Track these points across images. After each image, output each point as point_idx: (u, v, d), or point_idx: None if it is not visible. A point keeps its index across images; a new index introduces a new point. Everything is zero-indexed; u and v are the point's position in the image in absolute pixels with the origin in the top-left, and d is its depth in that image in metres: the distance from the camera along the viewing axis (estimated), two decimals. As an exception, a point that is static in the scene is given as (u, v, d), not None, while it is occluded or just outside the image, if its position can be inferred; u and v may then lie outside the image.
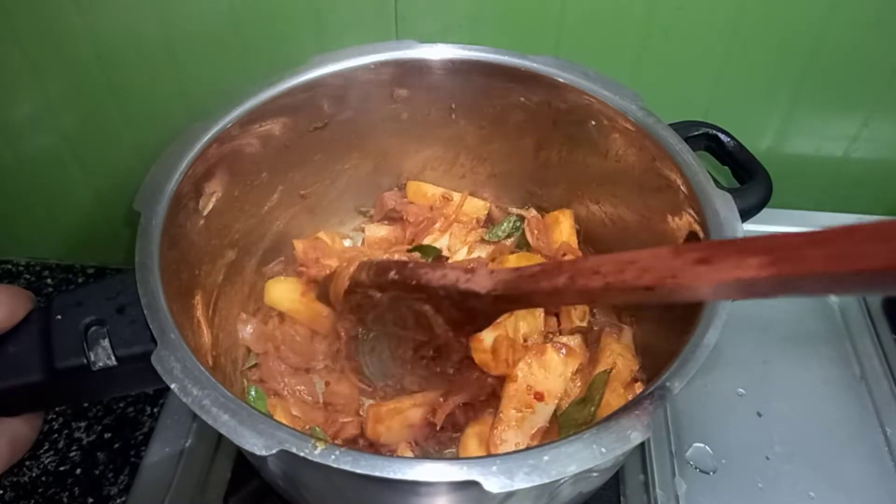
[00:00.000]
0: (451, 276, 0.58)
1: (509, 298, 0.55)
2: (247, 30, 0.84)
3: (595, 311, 0.80)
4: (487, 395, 0.72)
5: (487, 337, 0.71)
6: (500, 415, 0.68)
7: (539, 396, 0.69)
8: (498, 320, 0.73)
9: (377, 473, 0.46)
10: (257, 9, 0.82)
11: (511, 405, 0.68)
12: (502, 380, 0.71)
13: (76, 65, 0.86)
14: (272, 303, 0.79)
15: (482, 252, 0.86)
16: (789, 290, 0.39)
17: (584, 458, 0.48)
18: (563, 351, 0.70)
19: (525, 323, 0.75)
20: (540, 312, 0.77)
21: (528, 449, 0.49)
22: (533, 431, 0.68)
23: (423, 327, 0.64)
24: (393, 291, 0.63)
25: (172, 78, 0.87)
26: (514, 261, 0.79)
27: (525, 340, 0.73)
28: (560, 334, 0.77)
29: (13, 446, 0.56)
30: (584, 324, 0.79)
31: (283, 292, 0.79)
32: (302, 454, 0.46)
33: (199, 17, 0.82)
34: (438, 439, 0.72)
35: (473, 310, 0.58)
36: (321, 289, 0.73)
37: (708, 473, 0.76)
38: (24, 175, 0.99)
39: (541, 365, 0.70)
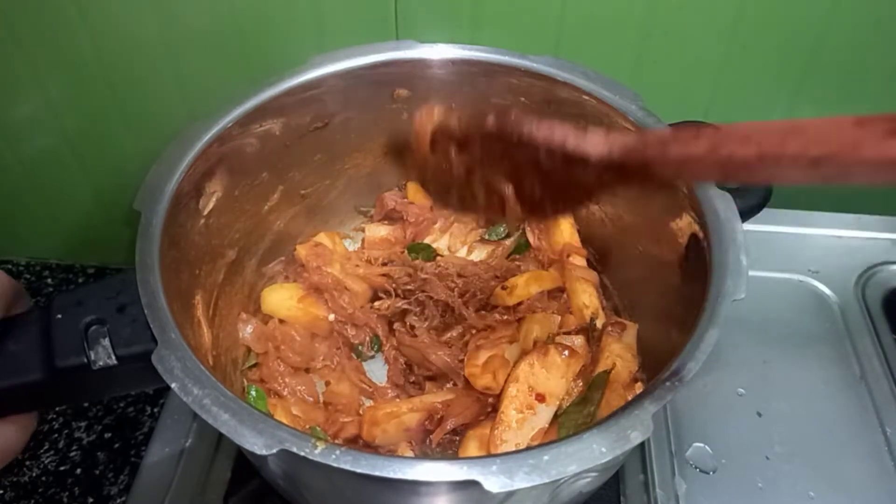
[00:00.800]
0: (559, 132, 0.50)
1: (625, 170, 0.47)
2: (247, 30, 0.84)
3: (595, 311, 0.80)
4: (487, 414, 0.72)
5: (482, 355, 0.71)
6: (501, 416, 0.68)
7: (540, 398, 0.69)
8: (499, 336, 0.74)
9: (377, 473, 0.46)
10: (257, 9, 0.82)
11: (512, 406, 0.68)
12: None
13: (76, 65, 0.86)
14: (269, 311, 0.79)
15: (482, 252, 0.86)
16: None
17: (584, 457, 0.48)
18: (566, 352, 0.70)
19: (539, 327, 0.75)
20: (556, 318, 0.76)
21: (528, 449, 0.49)
22: (533, 433, 0.68)
23: (494, 207, 0.56)
24: (478, 149, 0.55)
25: (172, 78, 0.87)
26: (525, 280, 0.79)
27: (534, 343, 0.73)
28: (563, 334, 0.77)
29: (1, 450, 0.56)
30: (587, 323, 0.79)
31: (280, 300, 0.79)
32: (302, 454, 0.46)
33: (198, 17, 0.82)
34: (437, 441, 0.72)
35: (573, 181, 0.51)
36: (392, 142, 0.68)
37: (708, 473, 0.76)
38: (24, 175, 0.99)
39: (543, 366, 0.70)
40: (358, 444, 0.72)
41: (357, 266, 0.83)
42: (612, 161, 0.48)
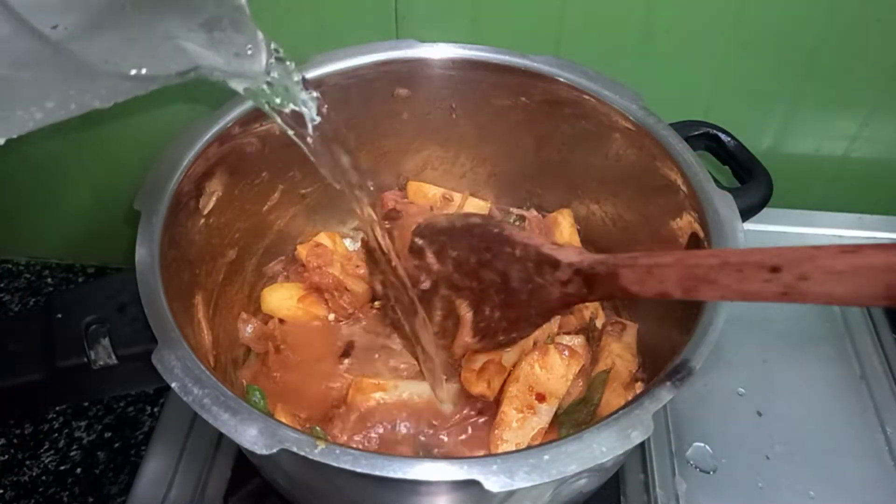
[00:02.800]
0: (537, 237, 0.55)
1: (592, 280, 0.50)
2: (247, 29, 0.83)
3: (595, 311, 0.80)
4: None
5: (479, 359, 0.71)
6: (501, 415, 0.68)
7: (540, 398, 0.69)
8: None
9: (377, 472, 0.46)
10: (257, 9, 0.81)
11: (512, 406, 0.68)
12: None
13: (76, 64, 0.86)
14: (269, 311, 0.79)
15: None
16: None
17: (584, 457, 0.48)
18: (566, 352, 0.70)
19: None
20: (556, 318, 0.77)
21: (528, 448, 0.49)
22: (534, 433, 0.68)
23: (448, 331, 0.62)
24: (454, 256, 0.59)
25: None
26: None
27: (534, 343, 0.73)
28: (562, 334, 0.77)
29: None
30: (587, 323, 0.79)
31: (280, 300, 0.79)
32: (302, 453, 0.46)
33: (199, 16, 0.82)
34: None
35: (536, 298, 0.54)
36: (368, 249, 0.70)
37: (708, 473, 0.76)
38: (24, 175, 0.99)
39: (543, 366, 0.70)
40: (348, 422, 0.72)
41: (357, 266, 0.83)
42: (582, 268, 0.52)
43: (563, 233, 0.83)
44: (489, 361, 0.72)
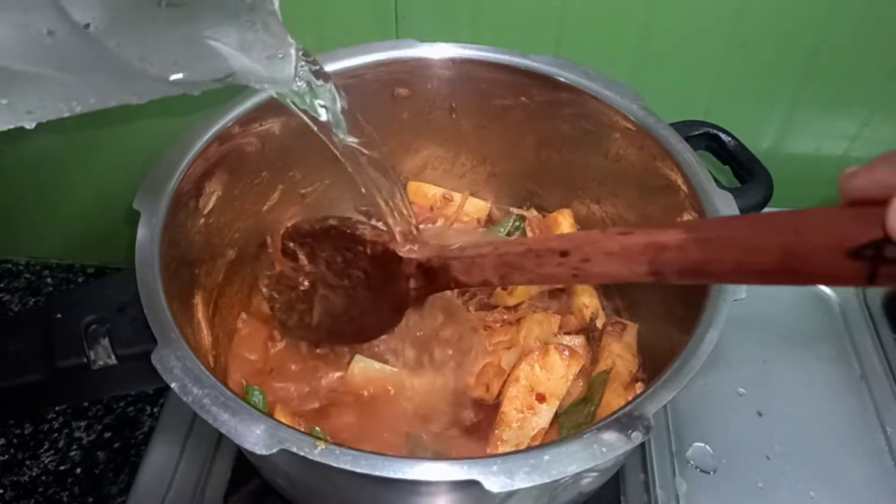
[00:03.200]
0: (383, 236, 0.61)
1: (429, 271, 0.57)
2: (247, 29, 0.83)
3: (595, 311, 0.80)
4: None
5: (479, 361, 0.71)
6: (501, 415, 0.68)
7: (540, 398, 0.69)
8: (496, 341, 0.74)
9: (377, 473, 0.46)
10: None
11: (512, 406, 0.68)
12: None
13: (76, 64, 0.86)
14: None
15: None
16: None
17: (584, 457, 0.48)
18: (566, 353, 0.70)
19: (539, 327, 0.75)
20: (556, 318, 0.76)
21: (528, 449, 0.49)
22: (534, 433, 0.68)
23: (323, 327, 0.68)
24: (326, 253, 0.66)
25: (173, 77, 0.87)
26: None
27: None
28: (562, 335, 0.77)
29: None
30: (587, 323, 0.79)
31: None
32: (302, 453, 0.46)
33: (199, 16, 0.82)
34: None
35: (393, 286, 0.60)
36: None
37: (708, 473, 0.76)
38: (24, 175, 0.99)
39: (543, 366, 0.70)
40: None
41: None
42: (421, 261, 0.58)
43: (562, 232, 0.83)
44: (488, 364, 0.73)
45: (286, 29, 0.48)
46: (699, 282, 0.54)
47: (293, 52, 0.48)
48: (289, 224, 0.70)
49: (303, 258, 0.68)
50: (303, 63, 0.50)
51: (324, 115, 0.53)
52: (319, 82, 0.52)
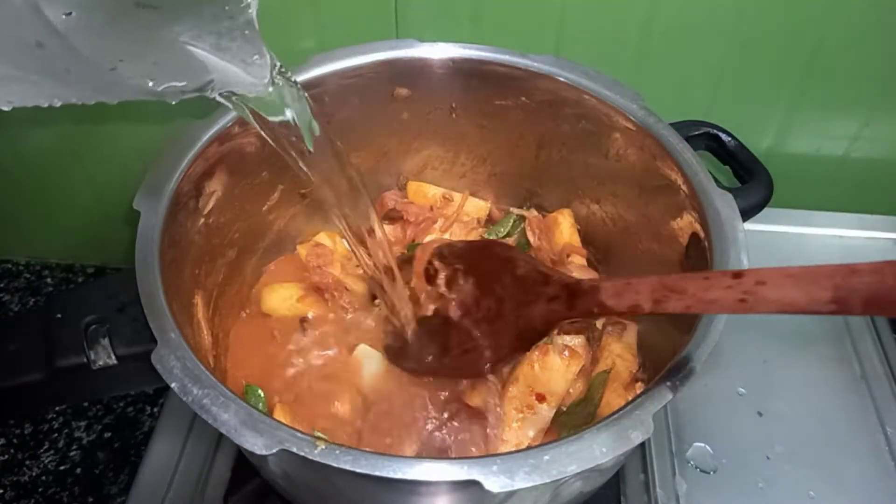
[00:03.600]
0: (534, 260, 0.62)
1: (574, 295, 0.56)
2: (247, 29, 0.83)
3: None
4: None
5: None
6: (502, 416, 0.68)
7: (540, 398, 0.69)
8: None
9: (377, 473, 0.46)
10: (257, 8, 0.81)
11: (512, 406, 0.68)
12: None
13: (76, 64, 0.86)
14: (269, 310, 0.79)
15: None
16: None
17: (584, 457, 0.48)
18: (566, 353, 0.70)
19: None
20: None
21: (528, 448, 0.49)
22: (534, 433, 0.68)
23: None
24: (470, 279, 0.65)
25: (173, 77, 0.87)
26: None
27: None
28: (562, 335, 0.77)
29: None
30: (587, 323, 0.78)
31: (280, 300, 0.79)
32: (302, 454, 0.46)
33: (199, 16, 0.82)
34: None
35: (526, 312, 0.59)
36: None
37: (708, 473, 0.76)
38: (24, 175, 0.99)
39: (543, 367, 0.69)
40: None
41: (357, 266, 0.83)
42: (569, 282, 0.57)
43: (563, 233, 0.83)
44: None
45: (261, 38, 0.48)
46: (881, 314, 0.51)
47: (269, 58, 0.48)
48: (437, 244, 0.70)
49: (441, 281, 0.68)
50: (277, 71, 0.50)
51: (288, 116, 0.53)
52: (293, 90, 0.52)
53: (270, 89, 0.50)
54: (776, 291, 0.44)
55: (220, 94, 0.49)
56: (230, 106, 0.51)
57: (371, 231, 0.63)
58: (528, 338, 0.62)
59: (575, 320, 0.69)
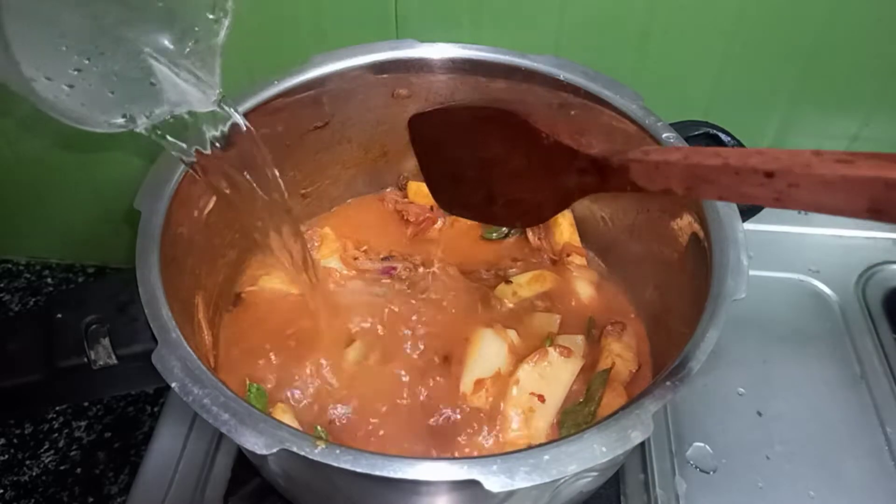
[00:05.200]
0: (558, 128, 0.58)
1: (605, 171, 0.54)
2: (247, 29, 0.83)
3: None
4: None
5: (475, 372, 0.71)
6: (502, 417, 0.68)
7: (541, 398, 0.69)
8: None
9: (377, 472, 0.46)
10: (258, 8, 0.81)
11: (512, 407, 0.68)
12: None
13: (76, 64, 0.86)
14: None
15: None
16: None
17: (584, 457, 0.48)
18: (565, 353, 0.70)
19: (539, 327, 0.75)
20: (556, 317, 0.77)
21: (528, 448, 0.49)
22: (535, 434, 0.68)
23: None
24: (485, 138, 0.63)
25: (173, 77, 0.87)
26: (528, 280, 0.79)
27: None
28: (562, 335, 0.77)
29: None
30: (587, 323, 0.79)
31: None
32: (302, 453, 0.47)
33: (199, 16, 0.82)
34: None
35: (557, 178, 0.58)
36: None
37: (708, 473, 0.76)
38: (24, 175, 0.99)
39: (543, 367, 0.70)
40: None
41: (356, 259, 0.83)
42: (598, 158, 0.54)
43: (562, 232, 0.83)
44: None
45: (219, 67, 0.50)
46: None
47: (218, 83, 0.52)
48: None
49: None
50: (219, 99, 0.54)
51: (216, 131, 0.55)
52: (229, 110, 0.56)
53: (215, 108, 0.54)
54: (809, 195, 0.42)
55: (144, 129, 0.51)
56: (153, 137, 0.53)
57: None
58: (567, 197, 0.60)
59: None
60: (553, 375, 0.69)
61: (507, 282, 0.79)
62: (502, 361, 0.71)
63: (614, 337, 0.74)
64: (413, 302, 0.78)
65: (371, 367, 0.73)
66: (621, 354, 0.72)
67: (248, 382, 0.72)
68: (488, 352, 0.72)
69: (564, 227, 0.83)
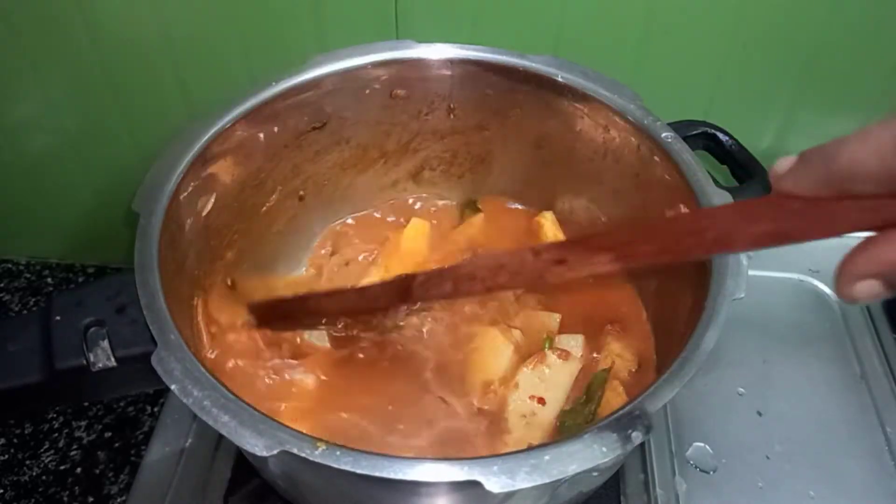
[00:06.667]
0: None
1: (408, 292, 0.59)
2: (247, 29, 0.84)
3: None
4: None
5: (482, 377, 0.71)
6: (503, 422, 0.68)
7: (541, 401, 0.69)
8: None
9: (378, 474, 0.46)
10: (257, 9, 0.81)
11: (513, 412, 0.68)
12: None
13: (76, 64, 0.86)
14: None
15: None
16: (634, 272, 0.48)
17: (584, 457, 0.48)
18: (564, 356, 0.70)
19: (542, 322, 0.76)
20: (556, 316, 0.77)
21: (528, 449, 0.49)
22: (537, 435, 0.68)
23: None
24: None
25: (172, 78, 0.87)
26: None
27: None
28: (561, 335, 0.77)
29: None
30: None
31: None
32: (303, 455, 0.46)
33: (199, 17, 0.82)
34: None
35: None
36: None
37: (708, 473, 0.76)
38: (24, 175, 0.99)
39: (542, 371, 0.70)
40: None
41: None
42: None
43: (546, 234, 0.84)
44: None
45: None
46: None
47: None
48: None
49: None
50: None
51: None
52: None
53: None
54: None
55: None
56: None
57: None
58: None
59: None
60: (552, 378, 0.69)
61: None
62: (508, 362, 0.71)
63: (614, 336, 0.74)
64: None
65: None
66: (621, 354, 0.72)
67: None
68: (495, 352, 0.72)
69: (547, 226, 0.84)
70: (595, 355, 0.74)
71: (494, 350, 0.72)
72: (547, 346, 0.72)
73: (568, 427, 0.68)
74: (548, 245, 0.56)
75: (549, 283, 0.48)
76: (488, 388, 0.70)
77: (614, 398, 0.68)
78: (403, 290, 0.60)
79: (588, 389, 0.71)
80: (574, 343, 0.74)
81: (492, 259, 0.54)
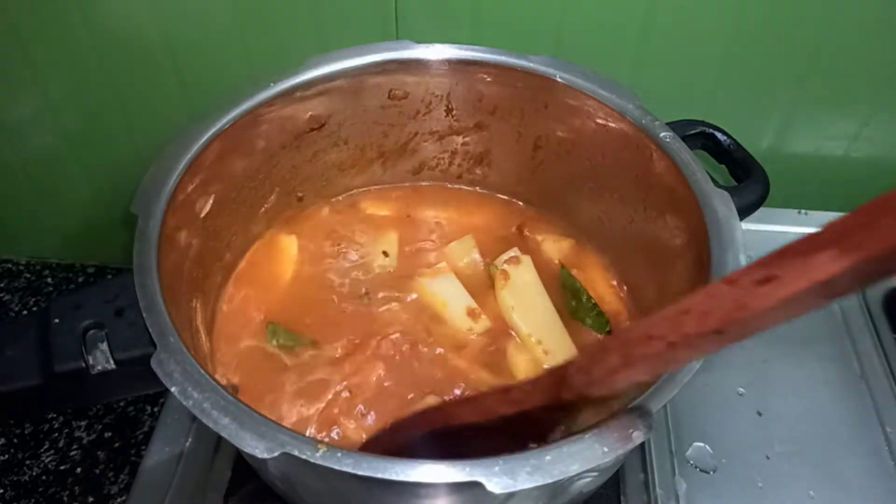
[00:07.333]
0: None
1: (560, 397, 0.50)
2: (247, 30, 0.83)
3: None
4: None
5: None
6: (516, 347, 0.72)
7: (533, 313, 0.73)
8: None
9: (378, 475, 0.46)
10: (257, 9, 0.81)
11: (520, 336, 0.72)
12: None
13: (77, 65, 0.86)
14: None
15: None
16: (865, 278, 0.33)
17: (585, 457, 0.48)
18: (514, 261, 0.75)
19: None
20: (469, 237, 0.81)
21: (529, 449, 0.49)
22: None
23: None
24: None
25: (172, 78, 0.87)
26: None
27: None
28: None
29: None
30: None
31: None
32: (304, 457, 0.46)
33: (199, 17, 0.82)
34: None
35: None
36: None
37: (708, 473, 0.76)
38: (24, 175, 0.99)
39: (511, 286, 0.74)
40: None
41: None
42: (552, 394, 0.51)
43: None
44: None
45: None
46: None
47: None
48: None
49: None
50: None
51: None
52: None
53: None
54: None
55: None
56: None
57: None
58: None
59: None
60: (522, 284, 0.74)
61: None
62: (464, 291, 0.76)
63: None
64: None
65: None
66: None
67: (267, 322, 0.73)
68: (447, 286, 0.76)
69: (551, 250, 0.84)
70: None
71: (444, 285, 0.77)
72: (494, 269, 0.76)
73: (588, 325, 0.75)
74: (742, 269, 0.40)
75: (751, 318, 0.37)
76: (475, 313, 0.74)
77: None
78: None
79: (563, 287, 0.75)
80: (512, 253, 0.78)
81: (667, 310, 0.42)
